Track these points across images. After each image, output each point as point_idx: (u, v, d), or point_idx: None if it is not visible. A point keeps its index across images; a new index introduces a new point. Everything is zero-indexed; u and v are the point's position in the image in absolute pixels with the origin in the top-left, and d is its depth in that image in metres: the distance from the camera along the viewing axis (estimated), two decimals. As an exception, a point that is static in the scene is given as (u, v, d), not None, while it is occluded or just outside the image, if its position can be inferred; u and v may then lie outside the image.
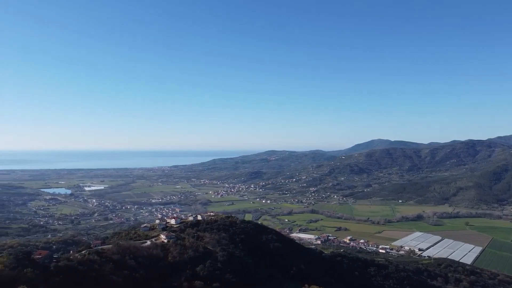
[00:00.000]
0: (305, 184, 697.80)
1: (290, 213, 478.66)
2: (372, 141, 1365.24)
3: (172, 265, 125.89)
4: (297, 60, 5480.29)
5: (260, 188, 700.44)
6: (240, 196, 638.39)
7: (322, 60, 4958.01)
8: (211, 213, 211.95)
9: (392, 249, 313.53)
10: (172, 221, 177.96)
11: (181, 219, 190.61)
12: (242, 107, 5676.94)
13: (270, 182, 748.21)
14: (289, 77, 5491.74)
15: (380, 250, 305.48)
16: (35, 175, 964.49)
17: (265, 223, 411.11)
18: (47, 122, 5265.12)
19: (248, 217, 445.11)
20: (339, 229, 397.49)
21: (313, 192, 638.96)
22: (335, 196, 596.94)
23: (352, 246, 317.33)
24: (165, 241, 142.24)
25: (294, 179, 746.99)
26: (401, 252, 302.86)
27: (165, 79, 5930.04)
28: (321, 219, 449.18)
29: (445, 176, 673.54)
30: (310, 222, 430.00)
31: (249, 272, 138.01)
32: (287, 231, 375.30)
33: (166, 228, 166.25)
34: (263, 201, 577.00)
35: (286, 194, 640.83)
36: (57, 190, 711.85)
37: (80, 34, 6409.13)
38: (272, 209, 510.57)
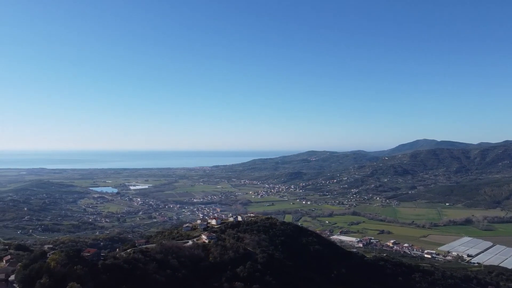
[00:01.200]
0: (346, 185, 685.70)
1: (330, 215, 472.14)
2: (417, 141, 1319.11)
3: (213, 265, 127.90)
4: (339, 59, 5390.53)
5: (300, 189, 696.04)
6: (280, 196, 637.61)
7: (366, 58, 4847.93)
8: (251, 214, 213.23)
9: (438, 255, 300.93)
10: (213, 222, 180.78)
11: (222, 219, 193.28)
12: (282, 108, 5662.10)
13: (310, 183, 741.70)
14: (330, 77, 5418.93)
15: (426, 255, 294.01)
16: (85, 174, 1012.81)
17: (305, 224, 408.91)
18: (97, 124, 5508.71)
19: (288, 218, 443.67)
20: (382, 232, 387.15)
21: (355, 193, 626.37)
22: (378, 198, 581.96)
23: (396, 250, 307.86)
24: (206, 241, 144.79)
25: (335, 180, 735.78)
26: (448, 258, 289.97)
27: (205, 80, 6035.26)
28: (363, 222, 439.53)
29: (497, 178, 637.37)
30: (352, 224, 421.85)
31: (289, 274, 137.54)
32: (328, 233, 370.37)
33: (207, 228, 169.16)
34: (303, 202, 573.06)
35: (327, 195, 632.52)
36: (104, 189, 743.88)
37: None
38: (313, 211, 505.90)
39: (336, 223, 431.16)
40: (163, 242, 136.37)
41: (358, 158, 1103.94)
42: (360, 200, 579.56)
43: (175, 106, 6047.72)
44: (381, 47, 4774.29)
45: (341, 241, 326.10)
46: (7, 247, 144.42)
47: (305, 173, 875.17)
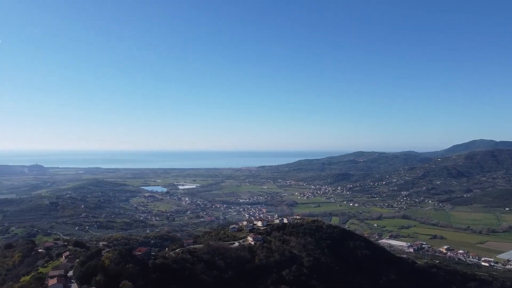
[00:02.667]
0: (396, 188, 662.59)
1: (379, 218, 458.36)
2: (473, 142, 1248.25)
3: (258, 267, 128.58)
4: (392, 56, 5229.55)
5: (348, 191, 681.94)
6: (327, 198, 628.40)
7: (420, 55, 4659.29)
8: (297, 217, 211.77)
9: (497, 263, 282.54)
10: (259, 223, 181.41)
11: (268, 221, 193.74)
12: (329, 107, 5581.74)
13: (358, 184, 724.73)
14: (379, 76, 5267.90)
15: (483, 263, 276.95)
16: (136, 174, 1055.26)
17: (352, 227, 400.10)
18: (148, 126, 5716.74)
19: (335, 220, 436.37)
20: (434, 237, 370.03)
21: (405, 196, 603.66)
22: (430, 201, 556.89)
23: (449, 257, 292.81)
24: (252, 243, 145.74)
25: (384, 182, 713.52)
26: (508, 267, 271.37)
27: (254, 81, 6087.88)
28: (414, 226, 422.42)
29: None
30: (402, 228, 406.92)
31: (336, 279, 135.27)
32: (376, 237, 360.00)
33: (253, 230, 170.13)
34: (351, 204, 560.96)
35: (375, 197, 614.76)
36: (154, 188, 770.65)
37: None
38: (360, 213, 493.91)
39: (385, 227, 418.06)
40: (210, 243, 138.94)
41: (409, 159, 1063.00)
42: (411, 203, 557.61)
43: (222, 108, 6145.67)
44: (441, 43, 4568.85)
45: (391, 246, 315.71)
46: (66, 243, 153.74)
47: (352, 174, 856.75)
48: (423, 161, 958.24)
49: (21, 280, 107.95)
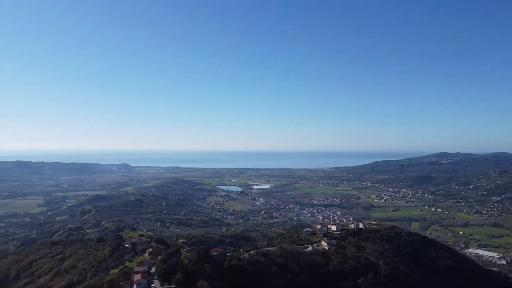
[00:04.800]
0: (485, 192, 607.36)
1: (465, 225, 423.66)
2: None
3: (332, 273, 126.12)
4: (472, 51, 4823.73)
5: (429, 194, 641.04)
6: (406, 202, 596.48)
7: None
8: (374, 222, 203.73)
9: None
10: (333, 227, 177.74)
11: (342, 225, 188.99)
12: (406, 105, 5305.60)
13: (441, 188, 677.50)
14: (463, 67, 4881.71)
15: None
16: (213, 173, 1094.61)
17: (434, 233, 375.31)
18: (224, 127, 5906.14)
19: (415, 226, 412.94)
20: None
21: (496, 202, 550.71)
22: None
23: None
24: (326, 248, 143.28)
25: (471, 186, 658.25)
26: None
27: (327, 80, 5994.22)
28: (506, 235, 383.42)
29: None
30: (492, 238, 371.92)
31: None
32: (462, 246, 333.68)
33: (327, 234, 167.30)
34: (433, 209, 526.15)
35: (461, 202, 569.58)
36: (230, 188, 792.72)
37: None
38: (444, 219, 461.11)
39: (472, 235, 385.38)
40: (284, 246, 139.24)
41: (500, 161, 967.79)
42: (503, 210, 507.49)
43: (302, 107, 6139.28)
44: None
45: (479, 256, 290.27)
46: (149, 240, 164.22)
47: (434, 177, 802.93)
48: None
49: (110, 272, 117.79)
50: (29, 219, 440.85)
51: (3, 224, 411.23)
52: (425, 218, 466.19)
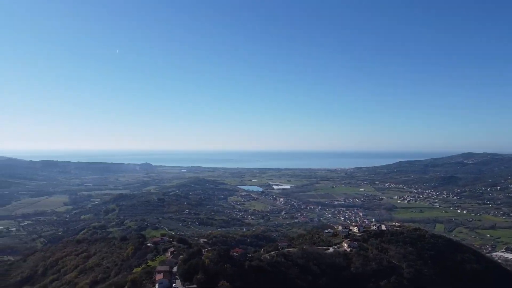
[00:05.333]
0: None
1: (492, 227, 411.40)
2: None
3: (354, 275, 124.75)
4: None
5: (454, 196, 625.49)
6: (430, 203, 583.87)
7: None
8: (396, 223, 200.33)
9: None
10: (355, 229, 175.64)
11: (364, 227, 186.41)
12: (433, 104, 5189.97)
13: (466, 189, 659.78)
14: (486, 65, 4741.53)
15: None
16: (233, 173, 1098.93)
17: (460, 236, 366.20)
18: (244, 127, 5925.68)
19: (439, 227, 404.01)
20: None
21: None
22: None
23: None
24: (348, 250, 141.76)
25: (498, 187, 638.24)
26: None
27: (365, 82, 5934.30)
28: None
29: None
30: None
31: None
32: (489, 249, 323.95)
33: (348, 235, 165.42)
34: (458, 211, 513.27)
35: (488, 204, 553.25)
36: (250, 187, 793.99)
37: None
38: (470, 221, 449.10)
39: (499, 238, 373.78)
40: (305, 247, 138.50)
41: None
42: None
43: (323, 106, 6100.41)
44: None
45: (506, 260, 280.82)
46: (171, 239, 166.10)
47: (460, 178, 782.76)
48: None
49: (133, 271, 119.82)
50: (55, 217, 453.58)
51: (31, 222, 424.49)
52: (450, 220, 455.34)
